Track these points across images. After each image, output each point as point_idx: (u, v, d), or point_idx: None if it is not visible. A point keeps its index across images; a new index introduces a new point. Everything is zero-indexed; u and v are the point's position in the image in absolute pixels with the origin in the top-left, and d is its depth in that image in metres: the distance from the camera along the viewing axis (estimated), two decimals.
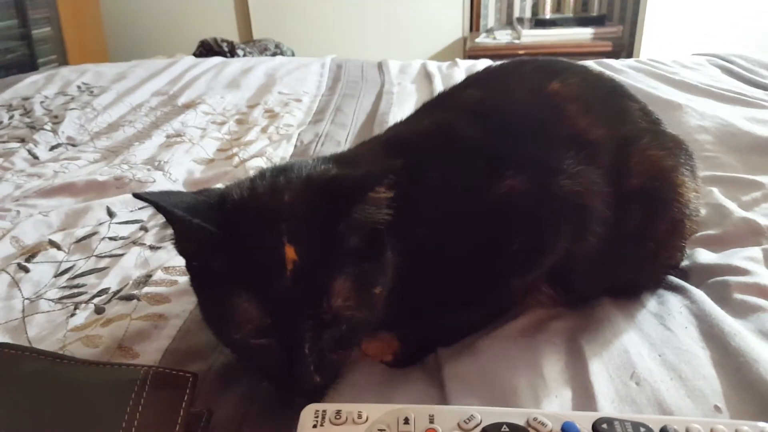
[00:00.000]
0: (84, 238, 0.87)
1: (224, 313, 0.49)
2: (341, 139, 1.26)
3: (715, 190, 0.88)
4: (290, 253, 0.47)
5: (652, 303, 0.65)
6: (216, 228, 0.48)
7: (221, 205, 0.51)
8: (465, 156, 0.59)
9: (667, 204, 0.63)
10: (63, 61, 2.65)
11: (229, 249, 0.48)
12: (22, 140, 1.31)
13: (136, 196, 0.49)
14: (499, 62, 0.74)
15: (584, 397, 0.52)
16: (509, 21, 3.11)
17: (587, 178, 0.59)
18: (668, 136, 0.67)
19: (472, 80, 0.72)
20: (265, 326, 0.48)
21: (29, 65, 2.48)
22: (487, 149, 0.59)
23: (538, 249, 0.60)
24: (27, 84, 1.72)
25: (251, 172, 1.07)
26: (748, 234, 0.77)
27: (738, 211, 0.82)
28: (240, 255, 0.48)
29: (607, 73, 0.99)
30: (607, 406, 0.51)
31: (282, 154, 1.18)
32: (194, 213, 0.48)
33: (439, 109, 0.69)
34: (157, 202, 0.47)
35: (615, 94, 0.67)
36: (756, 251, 0.72)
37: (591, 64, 1.61)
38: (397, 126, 0.72)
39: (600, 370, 0.55)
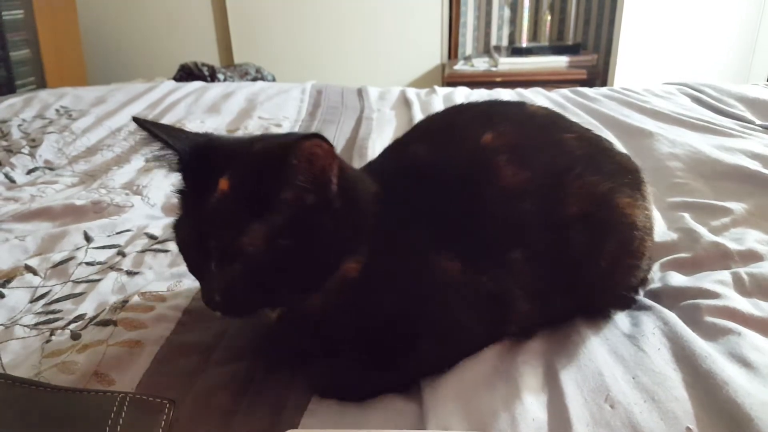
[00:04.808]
0: (61, 263, 0.86)
1: (176, 225, 0.60)
2: None
3: (686, 215, 0.91)
4: (223, 183, 0.54)
5: (625, 324, 0.67)
6: (186, 155, 0.58)
7: (206, 143, 0.60)
8: (409, 223, 0.60)
9: (610, 226, 0.65)
10: (42, 83, 2.64)
11: (189, 173, 0.59)
12: None
13: (135, 119, 0.62)
14: (444, 109, 0.77)
15: (560, 420, 0.53)
16: (486, 49, 3.17)
17: (510, 274, 0.61)
18: (609, 160, 0.68)
19: (419, 132, 0.74)
20: (191, 238, 0.56)
21: (7, 88, 2.45)
22: (428, 220, 0.60)
23: (450, 339, 0.62)
24: (5, 107, 1.70)
25: None
26: (718, 258, 0.79)
27: (708, 236, 0.84)
28: (192, 178, 0.58)
29: (546, 105, 1.01)
30: (582, 429, 0.52)
31: None
32: (175, 140, 0.59)
33: (392, 164, 0.70)
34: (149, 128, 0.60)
35: (548, 129, 0.69)
36: (725, 275, 0.73)
37: (555, 96, 1.65)
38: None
39: (575, 394, 0.56)
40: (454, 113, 0.74)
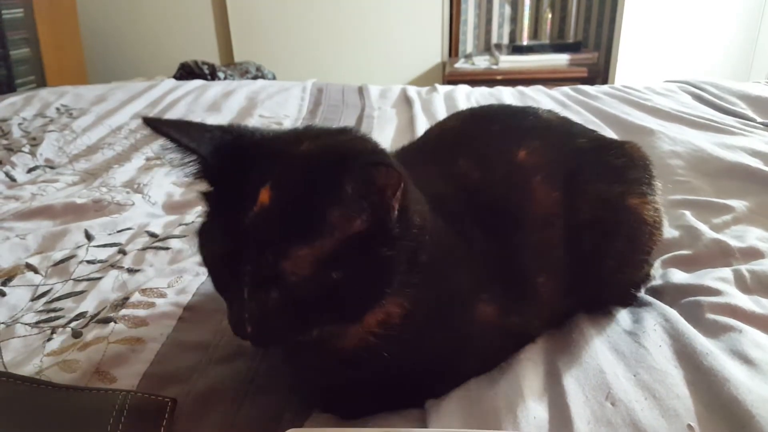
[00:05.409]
0: (61, 261, 0.86)
1: (202, 231, 0.52)
2: None
3: (687, 212, 0.91)
4: (264, 195, 0.46)
5: (626, 321, 0.67)
6: (213, 159, 0.50)
7: (237, 141, 0.52)
8: (454, 258, 0.58)
9: (620, 227, 0.65)
10: (42, 82, 2.63)
11: (220, 177, 0.50)
12: (0, 162, 1.30)
13: (145, 120, 0.52)
14: (466, 114, 0.77)
15: (561, 418, 0.53)
16: (487, 47, 3.17)
17: (534, 302, 0.62)
18: (619, 159, 0.68)
19: (452, 142, 0.71)
20: (221, 254, 0.48)
21: (7, 87, 2.45)
22: (471, 253, 0.59)
23: (470, 372, 0.60)
24: (5, 105, 1.70)
25: None
26: (719, 255, 0.79)
27: (709, 233, 0.84)
28: (228, 183, 0.49)
29: (548, 102, 0.99)
30: (583, 427, 0.52)
31: None
32: (198, 143, 0.50)
33: (435, 179, 0.65)
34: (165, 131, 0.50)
35: (564, 138, 0.69)
36: (727, 272, 0.73)
37: (556, 94, 1.65)
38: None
39: (576, 392, 0.56)
40: (483, 123, 0.73)
